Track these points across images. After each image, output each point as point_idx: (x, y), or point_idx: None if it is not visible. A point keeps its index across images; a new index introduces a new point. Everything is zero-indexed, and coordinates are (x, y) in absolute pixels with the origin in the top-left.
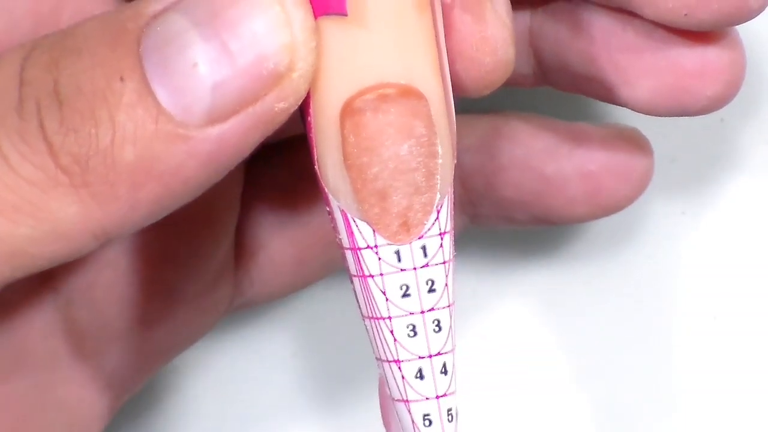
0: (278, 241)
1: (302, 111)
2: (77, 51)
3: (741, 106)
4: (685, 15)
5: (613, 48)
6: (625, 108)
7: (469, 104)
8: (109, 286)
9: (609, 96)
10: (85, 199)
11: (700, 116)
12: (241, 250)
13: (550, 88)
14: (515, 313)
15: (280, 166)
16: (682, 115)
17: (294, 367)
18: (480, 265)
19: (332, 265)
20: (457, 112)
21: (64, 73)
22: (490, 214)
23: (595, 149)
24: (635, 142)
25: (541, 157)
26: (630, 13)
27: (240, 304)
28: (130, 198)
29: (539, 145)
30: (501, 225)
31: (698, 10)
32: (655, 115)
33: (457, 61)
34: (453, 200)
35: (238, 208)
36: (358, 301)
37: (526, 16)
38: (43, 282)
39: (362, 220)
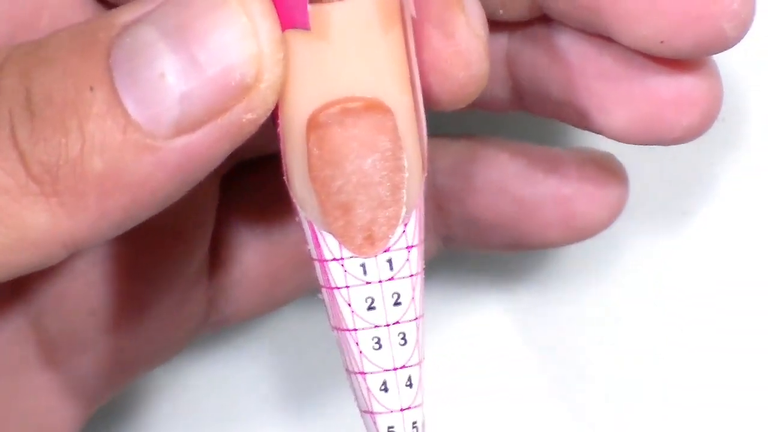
0: (253, 259)
1: (274, 122)
2: (49, 61)
3: (741, 104)
4: (661, 42)
5: (589, 74)
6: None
7: (445, 127)
8: (80, 297)
9: (584, 123)
10: (54, 208)
11: None
12: (215, 267)
13: (526, 113)
14: (496, 325)
15: (256, 184)
16: (657, 144)
17: (271, 385)
18: (455, 284)
19: (307, 284)
20: (432, 135)
21: (35, 83)
22: (464, 237)
23: (569, 174)
24: (609, 168)
25: (516, 180)
26: (607, 40)
27: (216, 322)
28: (98, 208)
29: (514, 168)
30: (475, 248)
31: (674, 39)
32: (631, 143)
33: (430, 74)
34: (422, 214)
35: (212, 223)
36: (327, 312)
37: (503, 40)
38: (14, 290)
39: (327, 232)
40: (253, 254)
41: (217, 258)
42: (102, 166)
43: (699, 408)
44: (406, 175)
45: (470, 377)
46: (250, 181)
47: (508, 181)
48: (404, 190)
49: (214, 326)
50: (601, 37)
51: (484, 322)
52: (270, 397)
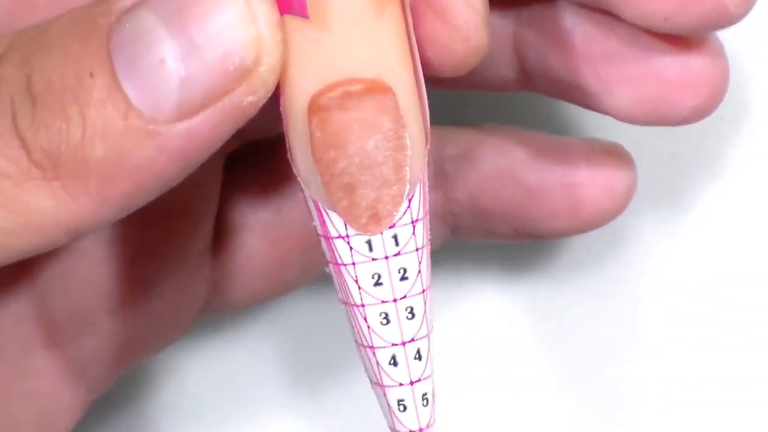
0: (258, 243)
1: (277, 101)
2: (49, 47)
3: (741, 104)
4: (665, 19)
5: (595, 55)
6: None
7: (453, 114)
8: (84, 277)
9: (590, 103)
10: (57, 194)
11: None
12: (220, 250)
13: (539, 97)
14: (500, 315)
15: (261, 167)
16: (663, 125)
17: (277, 369)
18: (459, 273)
19: (312, 270)
20: (441, 123)
21: (36, 70)
22: (471, 226)
23: (578, 162)
24: (618, 157)
25: (523, 168)
26: (613, 19)
27: (220, 306)
28: (101, 193)
29: (522, 156)
30: (482, 238)
31: (677, 14)
32: (637, 124)
33: (428, 49)
34: (427, 185)
35: (216, 203)
36: (335, 286)
37: (510, 20)
38: (18, 270)
39: (332, 211)
40: (258, 238)
41: (221, 241)
42: (103, 152)
43: (701, 403)
44: (409, 153)
45: (472, 367)
46: (254, 163)
47: (516, 168)
48: (407, 168)
49: (218, 310)
50: (606, 15)
51: (488, 311)
52: (276, 381)
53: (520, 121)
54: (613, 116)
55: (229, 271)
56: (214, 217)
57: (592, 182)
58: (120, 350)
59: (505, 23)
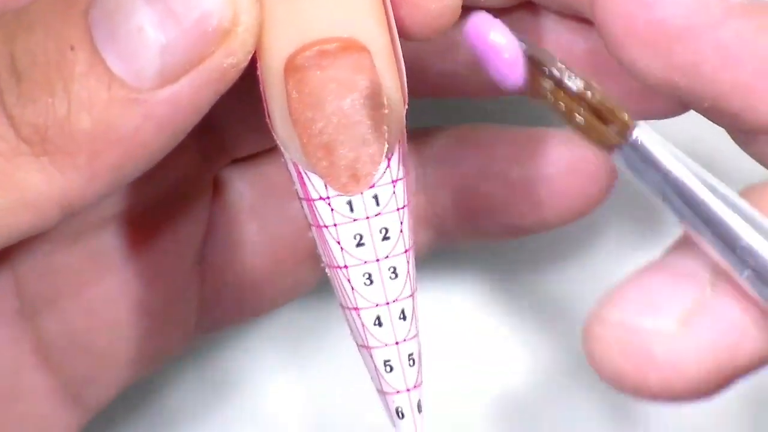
0: (247, 260)
1: (253, 65)
2: (30, 25)
3: None
4: None
5: (579, 53)
6: None
7: (434, 118)
8: (75, 297)
9: None
10: (47, 168)
11: None
12: (208, 268)
13: (519, 101)
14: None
15: (249, 184)
16: (651, 119)
17: (284, 381)
18: (444, 270)
19: (304, 284)
20: (420, 125)
21: (18, 48)
22: (457, 227)
23: (558, 151)
24: None
25: (505, 163)
26: (589, 23)
27: (213, 326)
28: (90, 165)
29: (502, 151)
30: (468, 239)
31: None
32: None
33: (402, 7)
34: (406, 147)
35: (205, 222)
36: (318, 251)
37: None
38: (11, 291)
39: (312, 172)
40: (248, 255)
41: (210, 260)
42: (90, 124)
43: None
44: (387, 111)
45: (459, 359)
46: (242, 180)
47: (497, 164)
48: (386, 127)
49: (210, 328)
50: (583, 21)
51: (474, 308)
52: (275, 384)
53: (502, 121)
54: None
55: (220, 290)
56: (202, 234)
57: (574, 170)
58: (113, 370)
59: None
